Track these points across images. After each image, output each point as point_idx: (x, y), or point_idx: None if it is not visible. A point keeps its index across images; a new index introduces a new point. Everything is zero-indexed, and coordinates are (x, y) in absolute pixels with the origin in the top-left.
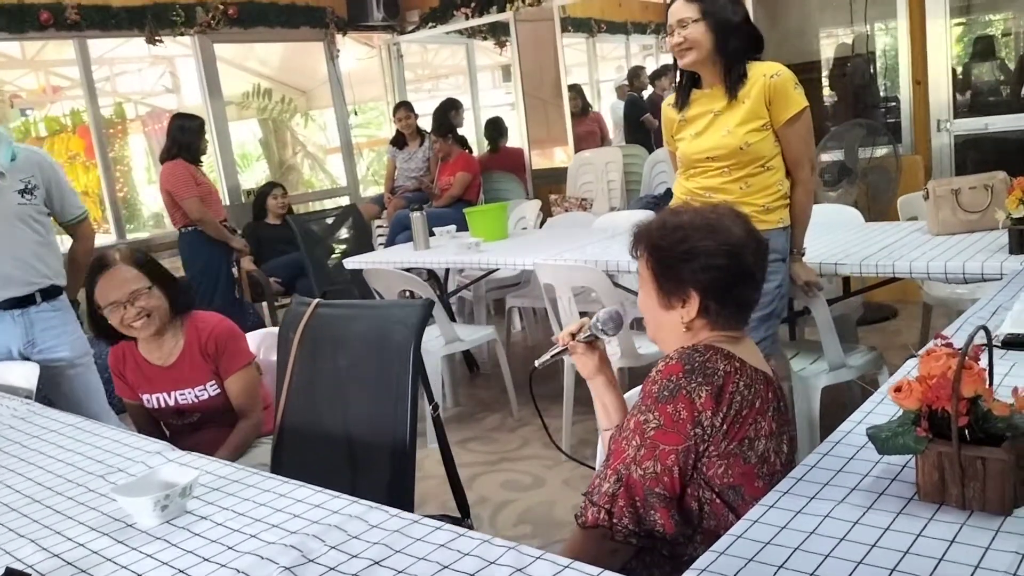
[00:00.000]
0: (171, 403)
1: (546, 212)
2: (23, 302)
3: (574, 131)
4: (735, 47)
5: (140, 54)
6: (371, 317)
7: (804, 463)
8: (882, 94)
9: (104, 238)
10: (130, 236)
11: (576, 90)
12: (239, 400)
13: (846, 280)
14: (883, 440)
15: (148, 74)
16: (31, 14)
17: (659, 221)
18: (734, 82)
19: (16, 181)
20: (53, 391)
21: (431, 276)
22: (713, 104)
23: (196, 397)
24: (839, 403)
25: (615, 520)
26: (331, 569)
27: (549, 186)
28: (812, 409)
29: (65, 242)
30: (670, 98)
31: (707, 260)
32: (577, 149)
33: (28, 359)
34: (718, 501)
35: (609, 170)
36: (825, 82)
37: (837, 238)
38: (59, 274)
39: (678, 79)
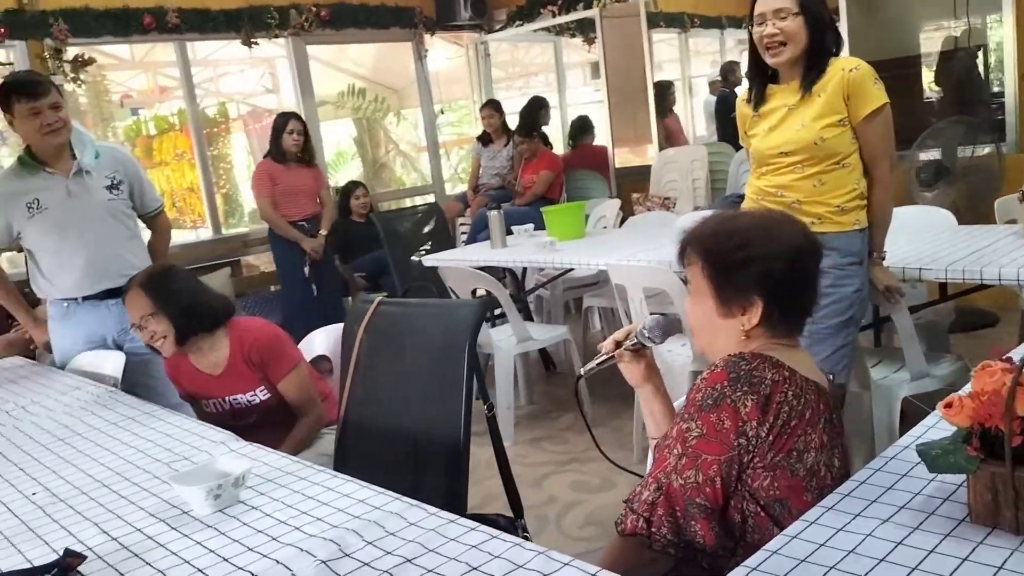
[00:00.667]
0: (226, 408)
1: (628, 211)
2: (117, 292)
3: (662, 128)
4: (825, 46)
5: (241, 55)
6: (430, 316)
7: (854, 479)
8: (986, 90)
9: (202, 232)
10: (229, 231)
11: (662, 86)
12: (295, 400)
13: (942, 286)
14: (933, 458)
15: (249, 75)
16: (135, 18)
17: (712, 227)
18: (812, 78)
19: (103, 178)
20: (140, 378)
21: (510, 274)
22: (788, 98)
23: (248, 401)
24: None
25: (654, 529)
26: (364, 564)
27: (634, 184)
28: (892, 420)
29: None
30: (744, 93)
31: (770, 265)
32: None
33: (121, 347)
34: (763, 514)
35: (694, 168)
36: (926, 78)
37: (924, 241)
38: (147, 264)
39: (751, 74)
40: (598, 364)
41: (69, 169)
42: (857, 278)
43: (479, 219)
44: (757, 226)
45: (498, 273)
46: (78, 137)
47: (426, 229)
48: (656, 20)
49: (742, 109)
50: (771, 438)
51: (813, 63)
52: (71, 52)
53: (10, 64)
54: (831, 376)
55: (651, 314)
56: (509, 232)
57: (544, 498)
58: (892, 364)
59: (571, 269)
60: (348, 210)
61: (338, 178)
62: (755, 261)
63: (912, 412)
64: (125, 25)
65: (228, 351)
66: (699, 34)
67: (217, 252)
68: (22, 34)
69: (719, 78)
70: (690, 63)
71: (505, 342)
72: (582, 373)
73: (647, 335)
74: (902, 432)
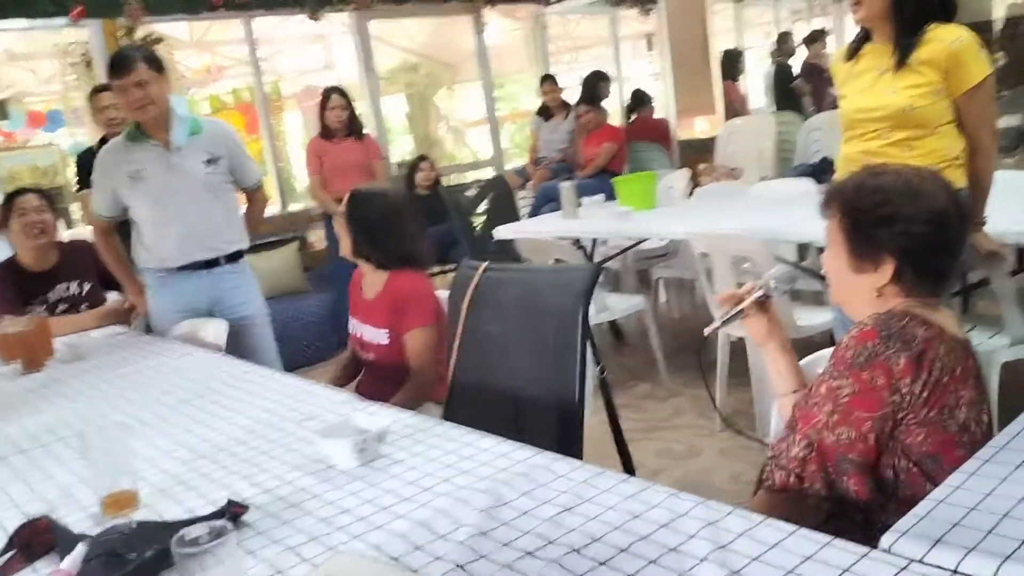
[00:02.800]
0: (359, 334)
1: (694, 182)
2: (210, 264)
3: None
4: (912, 11)
5: (297, 33)
6: (539, 281)
7: (1006, 432)
8: None
9: (268, 209)
10: (295, 207)
11: (730, 56)
12: (412, 357)
13: (1020, 252)
14: None
15: (305, 52)
16: None
17: (856, 181)
18: (906, 47)
19: (202, 152)
20: (233, 346)
21: (577, 246)
22: (881, 62)
23: (372, 339)
24: (1019, 381)
25: (806, 484)
26: (525, 513)
27: (696, 155)
28: (992, 387)
29: None
30: (841, 50)
31: (907, 226)
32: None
33: (213, 315)
34: (915, 470)
35: (761, 138)
36: (997, 44)
37: (1019, 206)
38: (242, 239)
39: (859, 29)
40: (723, 321)
41: (172, 142)
42: None
43: (543, 192)
44: (902, 184)
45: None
46: (174, 113)
47: (485, 202)
48: None
49: (836, 66)
50: (925, 394)
51: (905, 27)
52: (141, 31)
53: (85, 43)
54: None
55: (778, 265)
56: (578, 204)
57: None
58: (987, 330)
59: (646, 239)
60: (412, 183)
61: (390, 153)
62: (894, 221)
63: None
64: (194, 2)
65: (383, 287)
66: (753, 4)
67: (284, 227)
68: (97, 13)
69: (774, 48)
70: (744, 34)
71: None
72: (707, 333)
73: (773, 284)
74: (1001, 397)
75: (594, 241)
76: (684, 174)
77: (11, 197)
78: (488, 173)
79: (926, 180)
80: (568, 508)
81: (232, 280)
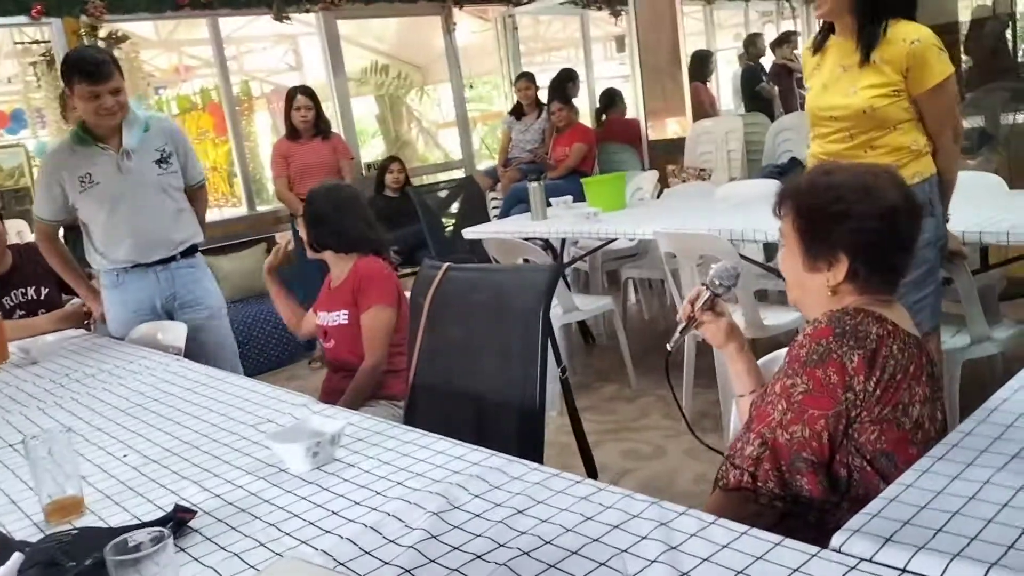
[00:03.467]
0: (324, 324)
1: (663, 183)
2: (164, 261)
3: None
4: (872, 6)
5: (265, 33)
6: (501, 281)
7: (959, 430)
8: (1014, 59)
9: (235, 210)
10: (262, 208)
11: (699, 57)
12: (367, 336)
13: (984, 251)
14: None
15: (273, 52)
16: None
17: (809, 180)
18: (868, 43)
19: (152, 151)
20: (191, 341)
21: (547, 247)
22: (844, 58)
23: (333, 321)
24: (978, 379)
25: (759, 483)
26: (476, 516)
27: (666, 156)
28: (952, 383)
29: None
30: (809, 41)
31: (859, 223)
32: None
33: (170, 313)
34: (869, 468)
35: (729, 139)
36: (963, 46)
37: (978, 206)
38: (196, 234)
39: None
40: (681, 333)
41: (120, 145)
42: (926, 232)
43: (512, 193)
44: (854, 181)
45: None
46: (129, 116)
47: (456, 203)
48: None
49: (806, 57)
50: (878, 392)
51: (864, 23)
52: (105, 30)
53: (47, 42)
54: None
55: (717, 263)
56: (548, 204)
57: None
58: (949, 328)
59: (613, 240)
60: (382, 184)
61: (360, 155)
62: (846, 218)
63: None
64: (159, 1)
65: (347, 274)
66: (724, 6)
67: (252, 229)
68: (58, 11)
69: (742, 51)
70: (715, 36)
71: (551, 311)
72: (669, 348)
73: (718, 283)
74: (962, 395)
75: (563, 242)
76: (652, 175)
77: None
78: (459, 174)
79: (878, 176)
80: (521, 510)
81: (188, 275)
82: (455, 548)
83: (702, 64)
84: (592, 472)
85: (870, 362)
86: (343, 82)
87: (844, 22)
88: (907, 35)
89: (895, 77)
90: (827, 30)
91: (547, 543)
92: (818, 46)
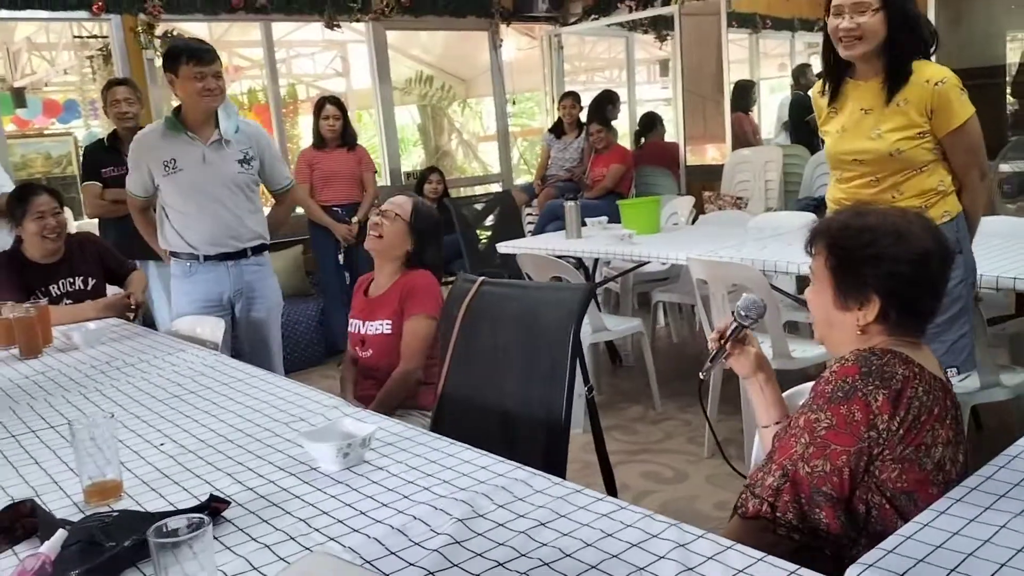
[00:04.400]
0: (360, 332)
1: (698, 209)
2: (234, 255)
3: (743, 126)
4: (907, 46)
5: (315, 38)
6: (534, 298)
7: (979, 474)
8: None
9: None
10: (299, 210)
11: (742, 87)
12: (406, 343)
13: (1020, 297)
14: None
15: (321, 58)
16: None
17: (842, 221)
18: (896, 83)
19: (237, 151)
20: (247, 342)
21: (579, 265)
22: (865, 100)
23: (375, 330)
24: (1005, 424)
25: (778, 514)
26: (500, 525)
27: (702, 183)
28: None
29: None
30: (819, 85)
31: (893, 266)
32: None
33: (234, 305)
34: (888, 506)
35: (768, 169)
36: (1009, 88)
37: (1015, 252)
38: (264, 234)
39: (825, 64)
40: (711, 361)
41: (209, 137)
42: (958, 269)
43: (548, 210)
44: (888, 225)
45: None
46: (226, 108)
47: (492, 217)
48: (729, 19)
49: (817, 101)
50: (901, 431)
51: (895, 64)
52: (161, 28)
53: (104, 37)
54: (952, 370)
55: (744, 295)
56: (583, 224)
57: (617, 486)
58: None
59: (647, 262)
60: (420, 194)
61: (401, 163)
62: (880, 260)
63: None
64: (214, 3)
65: (393, 283)
66: (770, 35)
67: (293, 228)
68: (118, 8)
69: (791, 81)
70: (759, 64)
71: (581, 330)
72: (702, 376)
73: (743, 314)
74: (977, 441)
75: (596, 261)
76: (688, 201)
77: (24, 195)
78: (496, 188)
79: (911, 222)
80: (543, 523)
81: (255, 272)
82: (478, 555)
83: (744, 94)
84: (612, 492)
85: (895, 402)
86: (388, 91)
87: (870, 64)
88: (931, 76)
89: (919, 119)
90: (837, 78)
91: (567, 556)
92: (833, 92)
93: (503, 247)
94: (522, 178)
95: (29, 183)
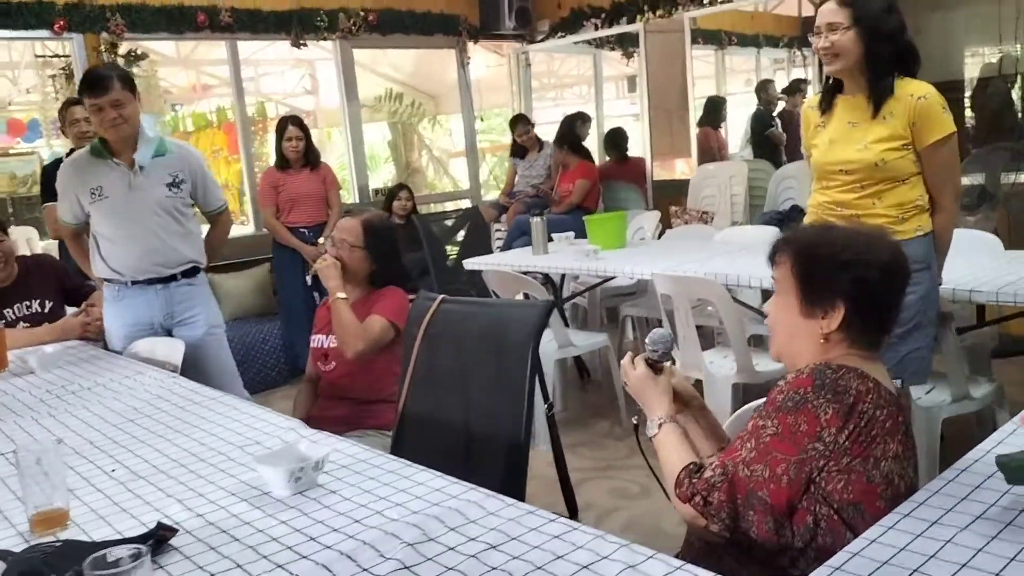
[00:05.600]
0: (322, 346)
1: (665, 224)
2: (164, 280)
3: (714, 141)
4: (885, 60)
5: (283, 56)
6: (493, 315)
7: (926, 488)
8: (1017, 119)
9: (241, 228)
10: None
11: (712, 102)
12: (364, 329)
13: (980, 308)
14: (1013, 469)
15: (289, 76)
16: (189, 16)
17: (812, 232)
18: (879, 97)
19: (165, 175)
20: (190, 361)
21: (547, 281)
22: (853, 114)
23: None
24: (964, 436)
25: (711, 509)
26: (450, 549)
27: (670, 198)
28: (932, 440)
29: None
30: (813, 99)
31: (863, 272)
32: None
33: (168, 331)
34: (835, 517)
35: (733, 184)
36: (967, 103)
37: (973, 264)
38: (198, 257)
39: (825, 79)
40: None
41: (133, 162)
42: (921, 285)
43: (516, 226)
44: (856, 235)
45: (535, 279)
46: (142, 134)
47: (463, 233)
48: (695, 37)
49: (808, 115)
50: (848, 444)
51: (876, 77)
52: (125, 47)
53: (67, 56)
54: (900, 382)
55: (655, 328)
56: (550, 239)
57: (581, 504)
58: (928, 384)
59: (613, 277)
60: (389, 211)
61: (372, 180)
62: (851, 265)
63: (951, 433)
64: (179, 22)
65: (362, 299)
66: (736, 52)
67: (258, 247)
68: (81, 27)
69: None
70: (726, 80)
71: (546, 347)
72: (635, 421)
73: (651, 349)
74: (942, 452)
75: (563, 277)
76: (655, 216)
77: None
78: (467, 203)
79: (876, 235)
80: (494, 546)
81: (187, 293)
82: None
83: (715, 110)
84: (573, 510)
85: (846, 416)
86: (356, 108)
87: (854, 79)
88: (914, 91)
89: (903, 131)
90: (833, 89)
91: None
92: (827, 105)
93: (469, 263)
94: (491, 194)
95: None
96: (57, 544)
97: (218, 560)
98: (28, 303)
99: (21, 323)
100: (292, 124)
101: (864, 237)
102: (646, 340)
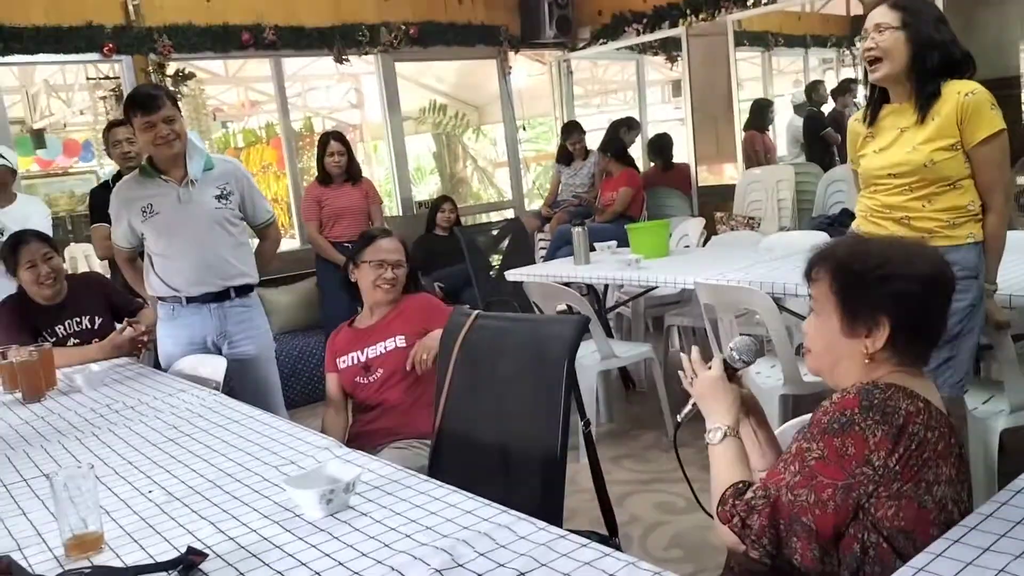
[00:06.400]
0: (361, 360)
1: (711, 230)
2: (219, 297)
3: (761, 146)
4: (932, 68)
5: (329, 72)
6: (528, 331)
7: (979, 511)
8: None
9: (288, 243)
10: None
11: (759, 105)
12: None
13: None
14: None
15: (335, 90)
16: (234, 35)
17: (847, 245)
18: (925, 101)
19: (213, 188)
20: (238, 381)
21: (590, 291)
22: (901, 121)
23: (385, 348)
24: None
25: (753, 537)
26: (478, 575)
27: (716, 204)
28: (989, 453)
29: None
30: (859, 113)
31: (905, 286)
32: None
33: (220, 349)
34: (885, 546)
35: (780, 188)
36: None
37: None
38: (251, 272)
39: (869, 92)
40: (693, 406)
41: (183, 178)
42: (970, 293)
43: (559, 235)
44: (895, 247)
45: (578, 290)
46: (192, 149)
47: (505, 243)
48: (740, 39)
49: (854, 128)
50: (898, 468)
51: (922, 84)
52: (172, 67)
53: (116, 78)
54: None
55: (740, 335)
56: (592, 249)
57: (626, 517)
58: (985, 393)
59: (655, 287)
60: (433, 223)
61: (417, 192)
62: (892, 279)
63: (1012, 446)
64: (224, 42)
65: (393, 308)
66: (782, 53)
67: (305, 261)
68: (129, 49)
69: (804, 99)
70: (772, 82)
71: (588, 358)
72: (679, 420)
73: (737, 356)
74: (1002, 467)
75: (606, 287)
76: (699, 223)
77: (15, 245)
78: (510, 214)
79: (917, 245)
80: (524, 573)
81: (241, 314)
82: None
83: (762, 113)
84: (612, 528)
85: (895, 438)
86: (398, 121)
87: (900, 87)
88: (961, 89)
89: (952, 129)
90: (879, 101)
91: None
92: (873, 117)
93: (511, 275)
94: (536, 203)
95: (21, 231)
96: (87, 571)
97: None
98: (79, 319)
99: (72, 339)
100: (334, 139)
101: (902, 248)
102: (730, 345)
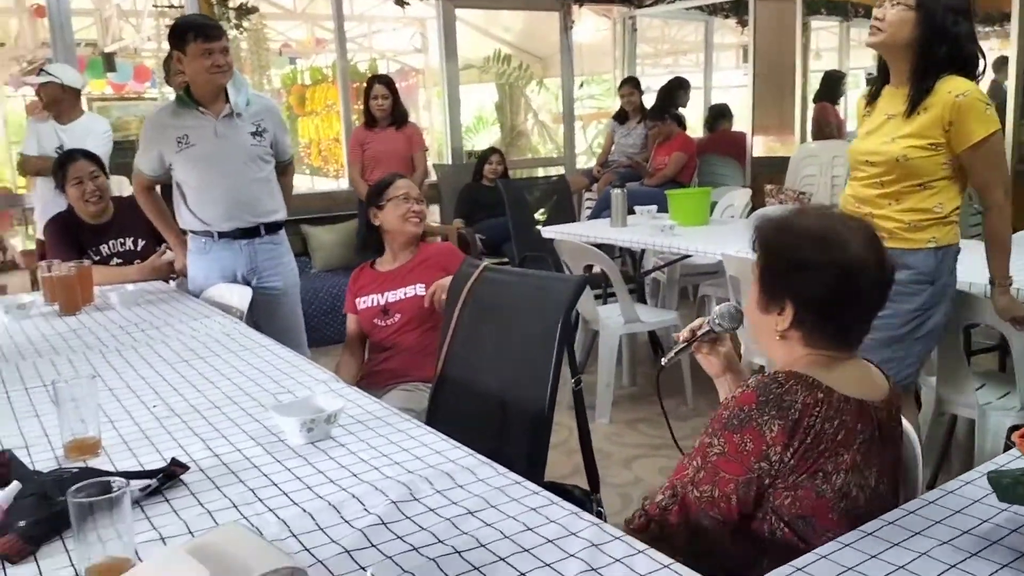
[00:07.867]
0: (381, 302)
1: (759, 203)
2: (248, 233)
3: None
4: (937, 59)
5: (397, 14)
6: (530, 287)
7: (903, 507)
8: None
9: (336, 183)
10: None
11: (831, 77)
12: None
13: None
14: (1004, 487)
15: (401, 33)
16: None
17: (779, 221)
18: (916, 96)
19: (249, 124)
20: (264, 315)
21: (628, 254)
22: (892, 106)
23: (404, 295)
24: None
25: (667, 532)
26: (430, 510)
27: (770, 175)
28: (995, 448)
29: None
30: (865, 89)
31: (813, 274)
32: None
33: (249, 283)
34: (787, 530)
35: (835, 164)
36: None
37: None
38: (280, 210)
39: (877, 70)
40: (675, 353)
41: (220, 111)
42: (919, 297)
43: (604, 196)
44: (819, 231)
45: (615, 252)
46: (235, 81)
47: (549, 201)
48: (817, 7)
49: (859, 104)
50: (793, 462)
51: (919, 74)
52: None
53: (180, 7)
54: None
55: (725, 301)
56: (632, 212)
57: (631, 478)
58: (999, 389)
59: (689, 255)
60: (480, 173)
61: (477, 141)
62: (800, 265)
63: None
64: None
65: (413, 255)
66: (863, 24)
67: (353, 202)
68: None
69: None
70: (849, 54)
71: (612, 320)
72: (663, 364)
73: (716, 322)
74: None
75: (642, 251)
76: (746, 193)
77: (64, 162)
78: (560, 170)
79: (849, 229)
80: (472, 511)
81: (271, 251)
82: (398, 537)
83: (834, 85)
84: (595, 484)
85: (790, 432)
86: (455, 69)
87: (898, 66)
88: (953, 89)
89: (934, 131)
90: (881, 81)
91: (481, 546)
92: (873, 96)
93: (547, 231)
94: (591, 161)
95: (71, 149)
96: (74, 471)
97: (219, 499)
98: (122, 240)
99: (115, 259)
100: (379, 83)
101: (827, 232)
102: (714, 312)
